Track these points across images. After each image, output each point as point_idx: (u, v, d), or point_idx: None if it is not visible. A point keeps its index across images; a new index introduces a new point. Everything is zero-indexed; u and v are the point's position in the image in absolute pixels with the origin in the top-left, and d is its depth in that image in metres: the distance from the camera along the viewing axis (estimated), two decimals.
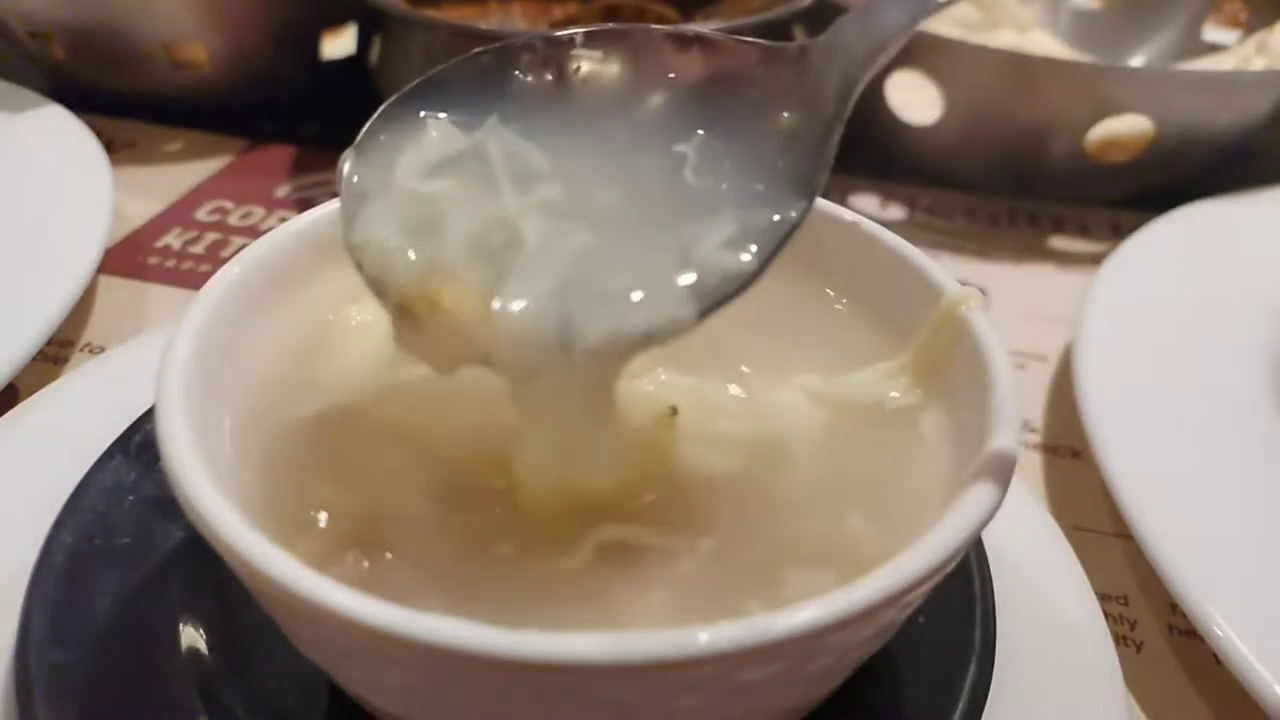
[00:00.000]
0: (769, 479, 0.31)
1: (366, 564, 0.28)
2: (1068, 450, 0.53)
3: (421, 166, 0.29)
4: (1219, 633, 0.37)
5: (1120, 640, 0.42)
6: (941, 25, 0.84)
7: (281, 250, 0.33)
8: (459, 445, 0.31)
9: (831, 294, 0.36)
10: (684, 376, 0.34)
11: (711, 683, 0.23)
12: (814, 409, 0.33)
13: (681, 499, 0.30)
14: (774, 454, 0.32)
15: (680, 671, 0.21)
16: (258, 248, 0.33)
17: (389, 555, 0.28)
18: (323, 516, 0.29)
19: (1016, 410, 0.28)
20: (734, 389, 0.34)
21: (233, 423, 0.30)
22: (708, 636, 0.21)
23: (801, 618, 0.21)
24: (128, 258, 0.64)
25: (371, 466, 0.30)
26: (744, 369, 0.34)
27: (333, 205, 0.35)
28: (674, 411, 0.32)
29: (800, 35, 0.72)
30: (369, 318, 0.35)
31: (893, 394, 0.32)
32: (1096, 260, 0.61)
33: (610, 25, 0.32)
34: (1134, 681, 0.39)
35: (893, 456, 0.31)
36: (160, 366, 0.27)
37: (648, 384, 0.33)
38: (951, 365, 0.31)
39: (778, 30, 0.69)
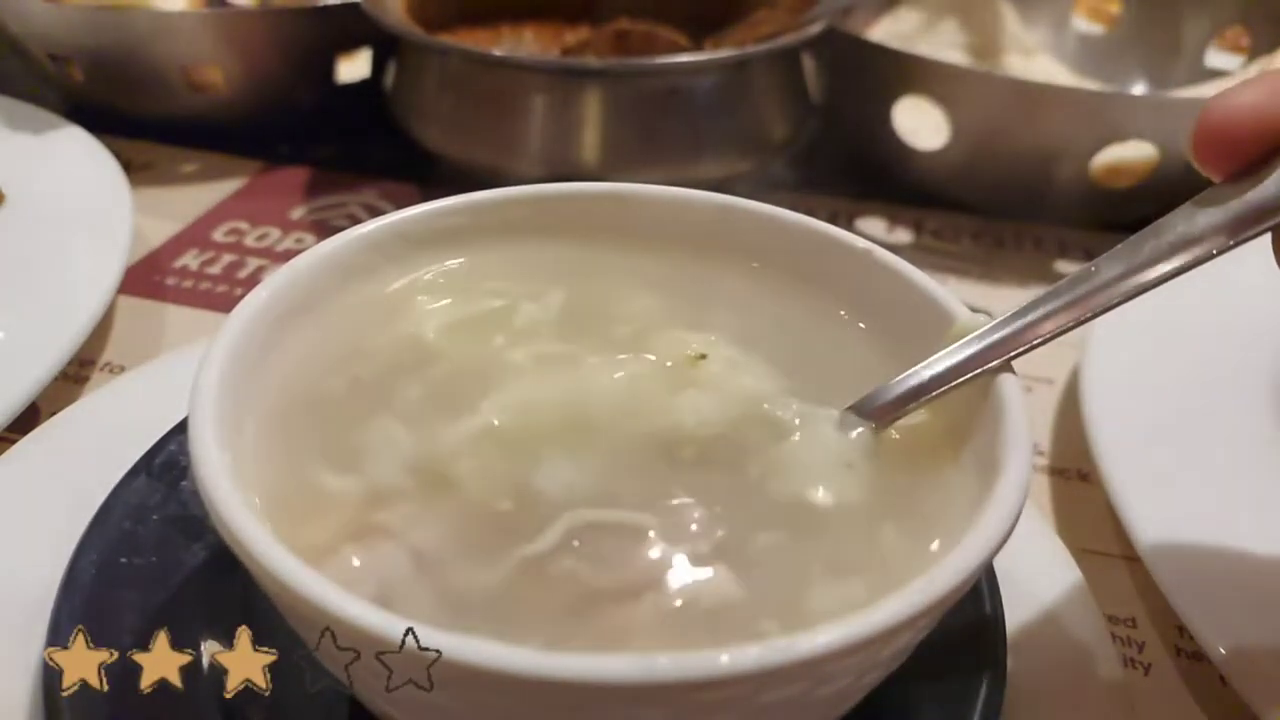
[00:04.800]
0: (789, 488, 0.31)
1: (360, 562, 0.28)
2: (1075, 473, 0.53)
3: None
4: (1225, 655, 0.37)
5: (1128, 662, 0.42)
6: (947, 51, 0.85)
7: (306, 274, 0.34)
8: (467, 448, 0.32)
9: (848, 317, 0.37)
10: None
11: (732, 704, 0.23)
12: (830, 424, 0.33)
13: (695, 504, 0.31)
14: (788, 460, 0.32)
15: (702, 692, 0.22)
16: (284, 273, 0.33)
17: (392, 557, 0.29)
18: (330, 521, 0.29)
19: (1029, 436, 0.28)
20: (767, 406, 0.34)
21: (254, 436, 0.31)
22: (729, 658, 0.21)
23: (821, 640, 0.22)
24: (146, 278, 0.64)
25: (378, 470, 0.31)
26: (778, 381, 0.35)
27: (355, 231, 0.36)
28: (702, 356, 0.32)
29: (808, 62, 0.72)
30: (384, 339, 0.36)
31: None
32: None
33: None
34: (1142, 703, 0.40)
35: (906, 475, 0.32)
36: (192, 392, 0.28)
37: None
38: (963, 390, 0.32)
39: (788, 56, 0.70)
